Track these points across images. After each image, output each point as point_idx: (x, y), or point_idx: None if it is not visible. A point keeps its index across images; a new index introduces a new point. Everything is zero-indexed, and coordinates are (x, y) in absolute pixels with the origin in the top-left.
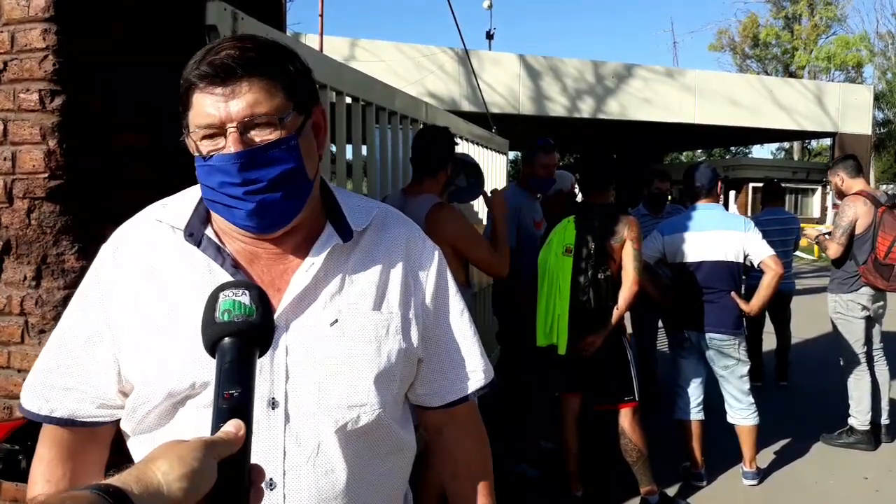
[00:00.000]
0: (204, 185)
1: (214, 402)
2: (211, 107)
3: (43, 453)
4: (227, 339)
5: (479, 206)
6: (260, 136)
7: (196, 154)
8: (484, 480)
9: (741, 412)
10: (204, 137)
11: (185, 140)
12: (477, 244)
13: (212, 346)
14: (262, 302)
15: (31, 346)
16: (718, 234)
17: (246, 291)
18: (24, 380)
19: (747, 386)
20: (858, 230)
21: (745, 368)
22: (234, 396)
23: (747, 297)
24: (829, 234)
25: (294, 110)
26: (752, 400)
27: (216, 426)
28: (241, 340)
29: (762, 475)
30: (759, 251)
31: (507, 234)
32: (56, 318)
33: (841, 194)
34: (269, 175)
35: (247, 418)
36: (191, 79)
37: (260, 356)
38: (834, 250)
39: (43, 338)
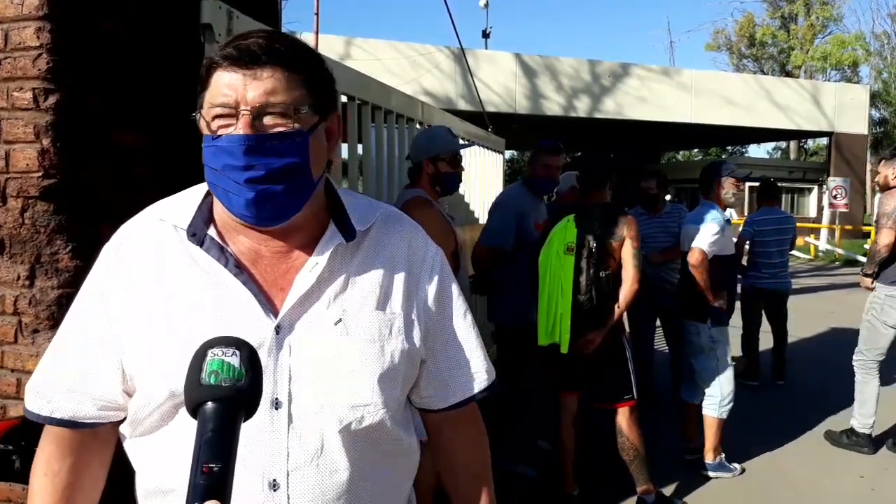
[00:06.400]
0: (209, 168)
1: (191, 473)
2: (228, 87)
3: (44, 448)
4: (210, 405)
5: (476, 207)
6: (272, 124)
7: (206, 133)
8: (485, 482)
9: (706, 400)
10: (217, 117)
11: (198, 119)
12: None
13: (194, 408)
14: (252, 364)
15: (25, 345)
16: (688, 228)
17: (236, 351)
18: (17, 380)
19: (715, 376)
20: None
21: (714, 359)
22: (214, 472)
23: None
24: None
25: (311, 108)
26: (717, 393)
27: None
28: (226, 407)
29: (735, 470)
30: (697, 239)
31: None
32: (50, 318)
33: (885, 187)
34: (272, 164)
35: (224, 497)
36: (214, 58)
37: (245, 420)
38: (888, 234)
39: (36, 338)
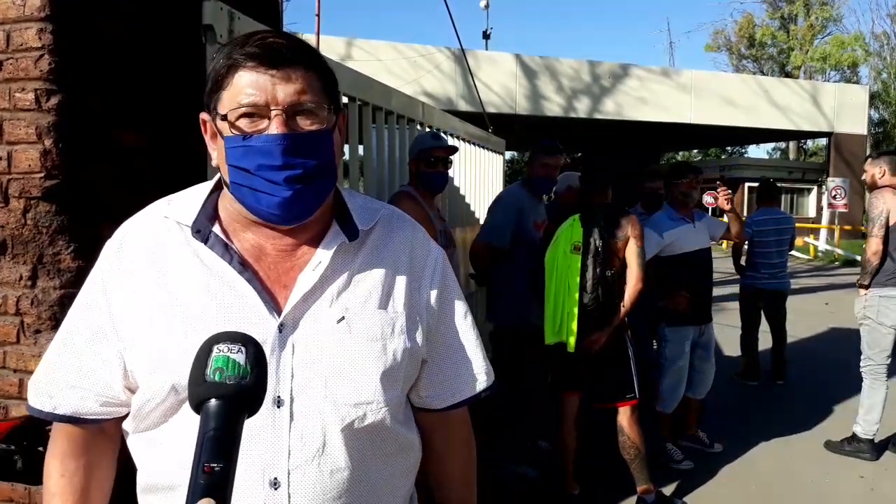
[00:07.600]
0: (235, 168)
1: (192, 472)
2: (255, 87)
3: (56, 447)
4: (213, 402)
5: (476, 207)
6: (303, 123)
7: (231, 134)
8: (470, 486)
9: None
10: (242, 117)
11: (209, 121)
12: None
13: (197, 405)
14: (258, 361)
15: (27, 346)
16: None
17: (242, 348)
18: (19, 380)
19: (665, 375)
20: (891, 221)
21: (663, 356)
22: (215, 471)
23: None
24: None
25: (332, 108)
26: (661, 387)
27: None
28: (230, 405)
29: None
30: None
31: None
32: (52, 319)
33: (872, 187)
34: (309, 163)
35: (224, 498)
36: (236, 57)
37: (248, 417)
38: (874, 243)
39: (39, 338)
